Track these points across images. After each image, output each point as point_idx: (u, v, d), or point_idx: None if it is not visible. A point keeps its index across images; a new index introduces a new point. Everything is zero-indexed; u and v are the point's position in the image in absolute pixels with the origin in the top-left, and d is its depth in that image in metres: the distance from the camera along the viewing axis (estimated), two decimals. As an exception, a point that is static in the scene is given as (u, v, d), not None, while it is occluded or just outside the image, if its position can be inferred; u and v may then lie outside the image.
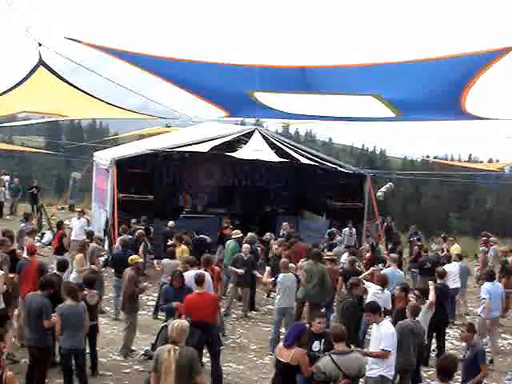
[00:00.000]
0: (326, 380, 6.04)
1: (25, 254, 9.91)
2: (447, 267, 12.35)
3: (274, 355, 6.60)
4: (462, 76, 5.20)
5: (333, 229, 16.31)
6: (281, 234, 15.62)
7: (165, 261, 11.11)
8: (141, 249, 12.90)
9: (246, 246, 12.33)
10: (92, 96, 8.71)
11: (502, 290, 10.49)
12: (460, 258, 13.10)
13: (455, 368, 5.47)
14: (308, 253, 11.41)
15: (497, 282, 10.51)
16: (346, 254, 12.56)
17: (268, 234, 15.39)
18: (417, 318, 7.97)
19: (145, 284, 10.21)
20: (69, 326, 7.18)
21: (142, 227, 14.31)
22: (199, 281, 8.14)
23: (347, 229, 17.09)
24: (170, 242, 12.93)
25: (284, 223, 16.15)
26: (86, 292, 7.94)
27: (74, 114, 10.82)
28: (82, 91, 8.50)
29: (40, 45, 6.53)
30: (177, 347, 5.48)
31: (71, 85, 8.22)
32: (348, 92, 6.27)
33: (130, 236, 13.15)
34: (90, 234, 12.48)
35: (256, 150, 15.40)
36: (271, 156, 15.50)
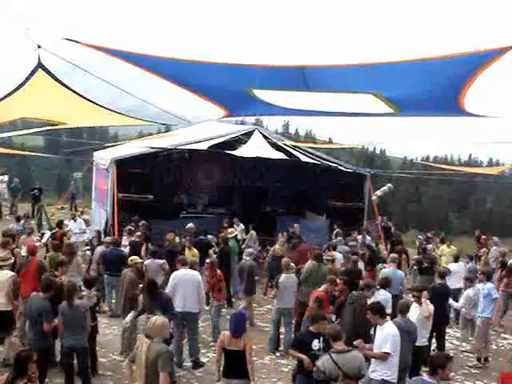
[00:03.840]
0: (326, 379, 6.05)
1: (23, 253, 9.95)
2: (452, 266, 12.47)
3: (220, 344, 6.72)
4: (460, 75, 5.22)
5: (337, 230, 16.23)
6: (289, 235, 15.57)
7: (148, 261, 11.01)
8: (143, 250, 12.81)
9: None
10: (91, 102, 8.66)
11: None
12: (456, 259, 13.12)
13: (445, 364, 5.71)
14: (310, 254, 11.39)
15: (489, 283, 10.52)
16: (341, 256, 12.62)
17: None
18: (413, 320, 7.99)
19: None
20: (69, 325, 7.20)
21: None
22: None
23: (360, 237, 15.95)
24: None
25: (295, 225, 16.10)
26: (84, 293, 7.93)
27: (73, 121, 10.69)
28: (82, 96, 8.45)
29: (39, 47, 6.48)
30: (148, 341, 5.60)
31: (70, 89, 8.17)
32: (347, 91, 6.28)
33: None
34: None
35: (256, 148, 15.42)
36: (271, 153, 15.51)
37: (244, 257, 12.20)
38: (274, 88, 6.42)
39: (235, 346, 6.53)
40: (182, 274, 9.20)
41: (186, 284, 9.00)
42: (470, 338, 11.03)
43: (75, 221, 15.33)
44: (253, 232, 15.57)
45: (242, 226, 15.75)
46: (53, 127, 11.20)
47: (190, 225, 14.45)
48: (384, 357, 6.76)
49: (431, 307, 8.71)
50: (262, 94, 6.76)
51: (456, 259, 12.88)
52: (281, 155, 15.73)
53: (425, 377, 5.78)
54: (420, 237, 17.51)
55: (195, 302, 9.02)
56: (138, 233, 13.35)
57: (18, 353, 5.35)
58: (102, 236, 14.22)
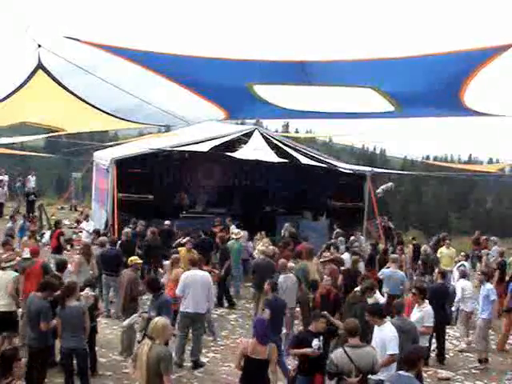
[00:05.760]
0: (338, 372, 6.03)
1: (24, 255, 9.92)
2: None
3: (242, 351, 6.45)
4: (460, 71, 5.23)
5: (338, 230, 16.18)
6: (282, 234, 15.56)
7: (167, 262, 11.07)
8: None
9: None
10: (91, 105, 8.61)
11: None
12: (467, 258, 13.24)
13: (419, 359, 5.80)
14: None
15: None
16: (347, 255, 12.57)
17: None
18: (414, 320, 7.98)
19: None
20: (67, 326, 7.17)
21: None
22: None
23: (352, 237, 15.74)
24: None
25: (286, 224, 16.08)
26: (82, 293, 7.89)
27: (72, 125, 10.66)
28: (80, 99, 8.40)
29: (39, 46, 6.44)
30: (150, 343, 5.55)
31: (70, 91, 8.13)
32: (347, 84, 6.28)
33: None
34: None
35: (256, 150, 15.40)
36: (271, 156, 15.48)
37: (256, 255, 12.20)
38: (275, 82, 6.40)
39: (259, 355, 6.32)
40: (192, 274, 9.10)
41: (196, 284, 8.92)
42: (469, 338, 11.01)
43: (87, 221, 15.42)
44: (244, 232, 15.47)
45: (233, 227, 15.63)
46: (53, 133, 11.21)
47: (167, 222, 14.71)
48: (392, 360, 6.65)
49: (430, 311, 8.65)
50: (262, 91, 6.73)
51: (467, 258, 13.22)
52: (280, 159, 15.68)
53: (401, 372, 5.76)
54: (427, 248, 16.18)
55: (205, 302, 8.98)
56: (126, 229, 13.27)
57: (3, 351, 5.36)
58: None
